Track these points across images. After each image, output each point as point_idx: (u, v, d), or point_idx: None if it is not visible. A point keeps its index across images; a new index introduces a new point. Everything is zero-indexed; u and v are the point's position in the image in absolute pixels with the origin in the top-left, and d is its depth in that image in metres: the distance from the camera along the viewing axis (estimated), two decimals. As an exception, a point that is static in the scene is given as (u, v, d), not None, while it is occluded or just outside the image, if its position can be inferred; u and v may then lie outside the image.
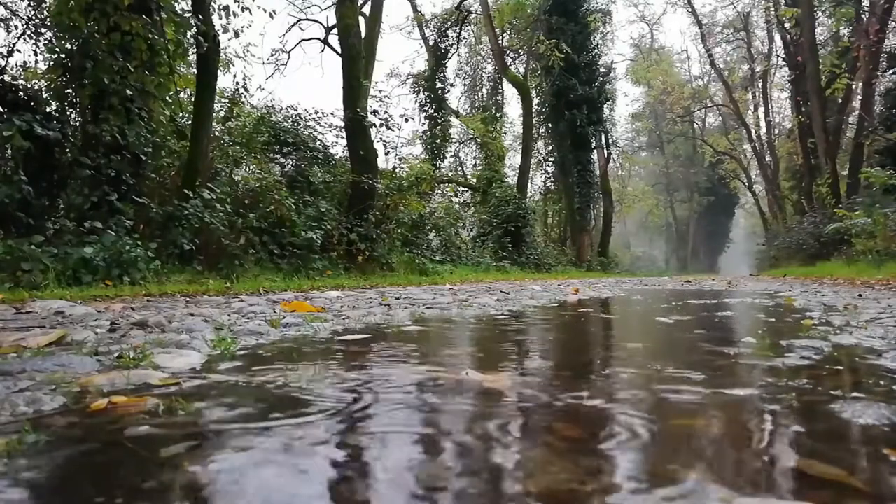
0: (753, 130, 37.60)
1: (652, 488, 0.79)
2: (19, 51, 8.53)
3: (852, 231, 14.97)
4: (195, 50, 9.59)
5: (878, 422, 1.12)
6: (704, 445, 0.99)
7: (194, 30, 8.98)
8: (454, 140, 29.58)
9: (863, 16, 21.73)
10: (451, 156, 29.98)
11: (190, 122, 10.40)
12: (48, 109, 8.07)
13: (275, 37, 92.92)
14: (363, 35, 14.78)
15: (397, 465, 0.90)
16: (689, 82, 46.13)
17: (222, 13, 9.62)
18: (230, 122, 13.85)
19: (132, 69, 8.00)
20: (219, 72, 10.64)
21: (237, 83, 14.39)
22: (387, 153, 17.18)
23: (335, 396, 1.40)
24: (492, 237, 21.73)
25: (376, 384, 1.52)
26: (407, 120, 16.82)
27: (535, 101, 27.81)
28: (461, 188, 27.97)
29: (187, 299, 5.33)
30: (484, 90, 31.70)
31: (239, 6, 9.78)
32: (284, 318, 3.15)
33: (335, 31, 17.92)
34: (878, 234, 13.41)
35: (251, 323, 2.93)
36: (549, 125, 28.53)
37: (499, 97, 30.92)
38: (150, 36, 8.12)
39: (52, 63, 8.35)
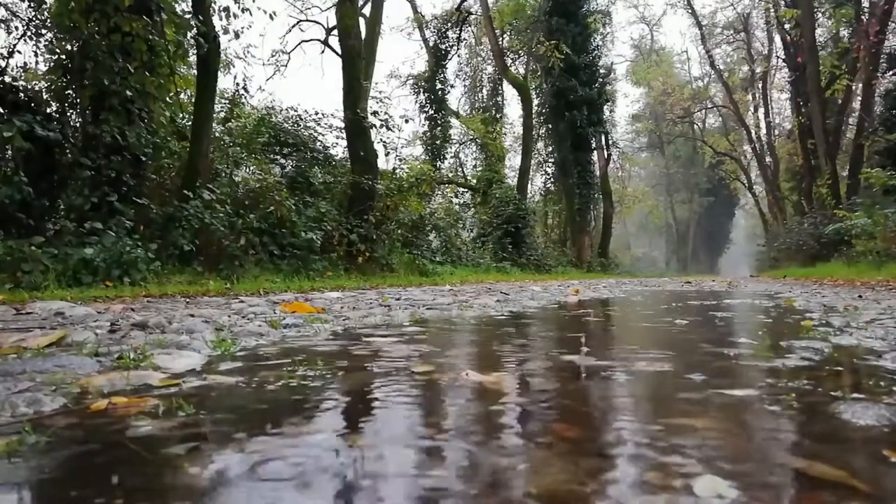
0: (753, 131, 37.60)
1: (651, 488, 0.79)
2: (20, 52, 8.53)
3: (852, 232, 14.96)
4: (195, 51, 9.60)
5: (878, 423, 1.12)
6: (704, 446, 0.99)
7: (194, 31, 8.98)
8: (454, 141, 29.64)
9: (862, 17, 21.74)
10: (451, 156, 30.04)
11: (190, 122, 10.41)
12: (48, 110, 8.07)
13: (275, 38, 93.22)
14: (363, 36, 14.80)
15: (398, 466, 0.90)
16: (690, 83, 46.08)
17: (222, 14, 9.63)
18: (230, 123, 13.87)
19: (132, 70, 8.00)
20: (219, 73, 10.66)
21: (237, 84, 14.44)
22: (387, 154, 17.16)
23: (334, 397, 1.40)
24: (492, 238, 21.74)
25: (376, 385, 1.52)
26: (407, 121, 16.79)
27: (536, 102, 27.82)
28: (461, 189, 28.00)
29: (187, 300, 5.34)
30: (484, 91, 31.72)
31: (239, 7, 9.79)
32: (284, 318, 3.15)
33: (335, 32, 17.99)
34: (879, 234, 13.40)
35: (251, 324, 2.93)
36: (550, 126, 28.54)
37: (499, 98, 30.95)
38: (150, 37, 8.12)
39: (52, 64, 8.36)
